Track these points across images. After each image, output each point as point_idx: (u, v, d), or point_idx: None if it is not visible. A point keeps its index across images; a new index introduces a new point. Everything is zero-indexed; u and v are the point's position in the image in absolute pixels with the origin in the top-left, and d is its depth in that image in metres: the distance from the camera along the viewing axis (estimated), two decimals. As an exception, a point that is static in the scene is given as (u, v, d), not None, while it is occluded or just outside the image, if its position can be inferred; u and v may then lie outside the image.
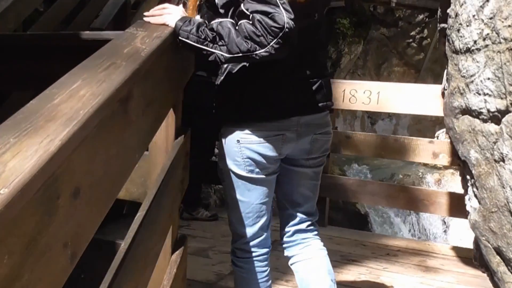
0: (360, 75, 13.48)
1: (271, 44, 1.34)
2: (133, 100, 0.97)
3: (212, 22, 1.44)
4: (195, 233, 3.26)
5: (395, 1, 11.97)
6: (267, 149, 1.53)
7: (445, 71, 2.26)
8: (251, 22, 1.37)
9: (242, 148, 1.52)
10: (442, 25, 2.36)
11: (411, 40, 13.16)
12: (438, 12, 2.39)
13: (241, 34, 1.36)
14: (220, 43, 1.39)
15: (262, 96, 1.52)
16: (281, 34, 1.32)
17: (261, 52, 1.35)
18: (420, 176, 6.83)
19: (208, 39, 1.40)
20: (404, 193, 2.95)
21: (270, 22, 1.33)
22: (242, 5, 1.41)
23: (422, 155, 2.82)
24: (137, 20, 1.47)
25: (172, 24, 1.41)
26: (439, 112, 2.73)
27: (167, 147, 1.39)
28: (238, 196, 1.57)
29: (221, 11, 1.48)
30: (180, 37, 1.41)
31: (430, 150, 2.80)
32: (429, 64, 13.08)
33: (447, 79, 2.09)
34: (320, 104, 1.62)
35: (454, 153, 2.73)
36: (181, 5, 1.55)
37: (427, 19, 12.97)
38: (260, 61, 1.37)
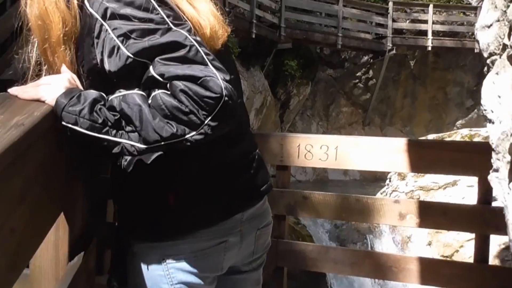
0: (310, 116, 13.52)
1: (206, 122, 0.93)
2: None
3: (111, 97, 0.99)
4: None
5: (341, 43, 12.24)
6: (206, 266, 1.08)
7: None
8: (171, 94, 0.94)
9: (171, 270, 1.06)
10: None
11: (357, 80, 13.42)
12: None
13: (159, 113, 0.94)
14: (128, 128, 0.96)
15: (200, 191, 1.08)
16: (219, 106, 0.92)
17: (193, 135, 0.94)
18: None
19: (109, 124, 0.96)
20: (370, 259, 2.64)
21: (202, 91, 0.92)
22: (151, 68, 0.95)
23: (388, 216, 2.54)
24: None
25: (50, 100, 0.97)
26: (402, 168, 2.47)
27: (58, 272, 0.98)
28: None
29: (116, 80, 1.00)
30: (64, 122, 0.96)
31: (396, 210, 2.52)
32: (375, 104, 13.33)
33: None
34: (263, 188, 1.20)
35: (422, 213, 2.45)
36: (66, 72, 1.03)
37: (371, 60, 13.30)
38: (192, 146, 0.95)
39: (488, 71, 1.33)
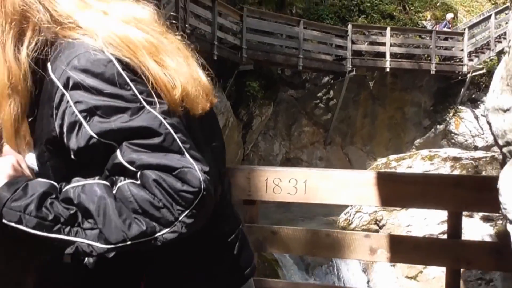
0: (272, 136, 13.54)
1: (180, 218, 0.81)
2: None
3: (67, 186, 0.85)
4: None
5: (302, 64, 12.37)
6: None
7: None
8: (141, 185, 0.82)
9: None
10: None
11: (318, 101, 13.58)
12: None
13: (126, 207, 0.81)
14: (85, 225, 0.82)
15: (175, 279, 0.95)
16: (196, 201, 0.81)
17: (164, 233, 0.81)
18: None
19: (61, 221, 0.82)
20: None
21: (178, 184, 0.80)
22: (118, 153, 0.82)
23: (358, 251, 2.48)
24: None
25: None
26: (373, 202, 2.42)
27: None
28: None
29: (75, 158, 0.86)
30: (5, 220, 0.82)
31: (366, 245, 2.47)
32: (336, 124, 13.51)
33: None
34: (246, 272, 1.06)
35: (393, 248, 2.41)
36: (9, 155, 0.90)
37: (332, 81, 13.51)
38: (163, 245, 0.82)
39: (504, 161, 1.19)
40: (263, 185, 2.63)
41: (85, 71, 0.84)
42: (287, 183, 2.59)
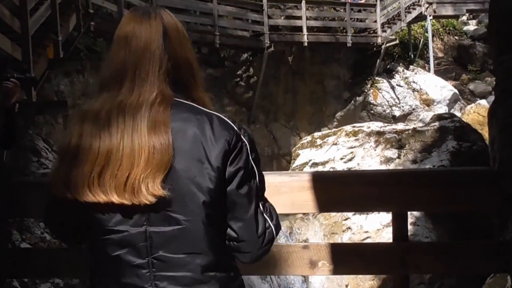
0: (193, 118, 13.04)
1: None
2: None
3: None
4: None
5: (219, 41, 11.89)
6: None
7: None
8: None
9: None
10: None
11: (238, 79, 13.22)
12: None
13: None
14: None
15: None
16: None
17: None
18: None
19: None
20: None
21: None
22: None
23: (297, 265, 2.17)
24: None
25: None
26: (310, 209, 2.11)
27: None
28: None
29: None
30: None
31: (305, 258, 2.16)
32: (258, 101, 13.26)
33: None
34: None
35: (335, 258, 2.12)
36: None
37: (251, 58, 13.18)
38: None
39: None
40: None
41: None
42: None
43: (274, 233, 1.21)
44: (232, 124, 1.19)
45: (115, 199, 1.11)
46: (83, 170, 1.11)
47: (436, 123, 6.60)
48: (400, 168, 6.20)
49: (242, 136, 1.18)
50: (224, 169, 1.15)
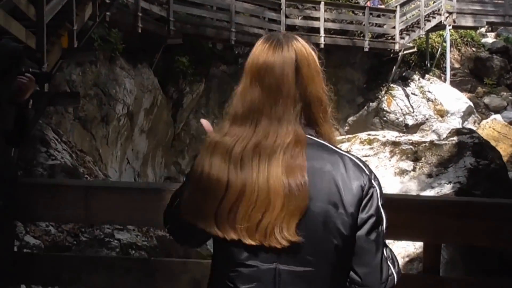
0: (204, 114, 12.90)
1: None
2: None
3: None
4: None
5: (234, 38, 11.75)
6: None
7: None
8: None
9: None
10: None
11: (251, 77, 13.06)
12: None
13: None
14: None
15: None
16: None
17: None
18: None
19: None
20: None
21: None
22: None
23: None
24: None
25: None
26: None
27: None
28: None
29: None
30: None
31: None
32: (270, 101, 13.10)
33: None
34: None
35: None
36: None
37: (265, 57, 13.01)
38: None
39: None
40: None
41: None
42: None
43: (395, 280, 1.22)
44: (364, 168, 1.19)
45: (246, 240, 1.13)
46: (216, 205, 1.14)
47: (455, 138, 6.42)
48: (415, 181, 6.02)
49: (373, 181, 1.17)
50: (357, 215, 1.15)
